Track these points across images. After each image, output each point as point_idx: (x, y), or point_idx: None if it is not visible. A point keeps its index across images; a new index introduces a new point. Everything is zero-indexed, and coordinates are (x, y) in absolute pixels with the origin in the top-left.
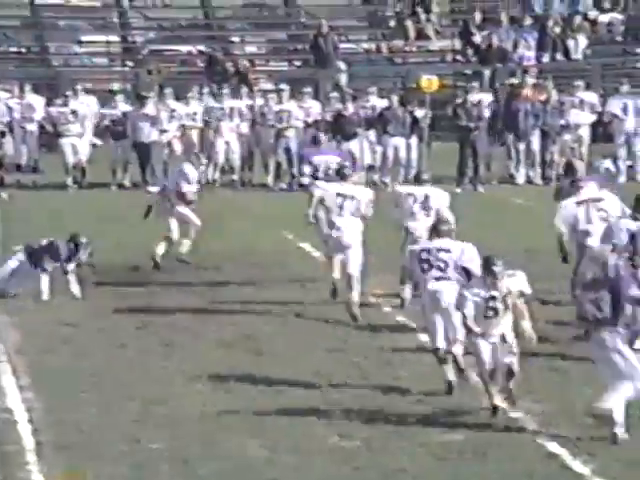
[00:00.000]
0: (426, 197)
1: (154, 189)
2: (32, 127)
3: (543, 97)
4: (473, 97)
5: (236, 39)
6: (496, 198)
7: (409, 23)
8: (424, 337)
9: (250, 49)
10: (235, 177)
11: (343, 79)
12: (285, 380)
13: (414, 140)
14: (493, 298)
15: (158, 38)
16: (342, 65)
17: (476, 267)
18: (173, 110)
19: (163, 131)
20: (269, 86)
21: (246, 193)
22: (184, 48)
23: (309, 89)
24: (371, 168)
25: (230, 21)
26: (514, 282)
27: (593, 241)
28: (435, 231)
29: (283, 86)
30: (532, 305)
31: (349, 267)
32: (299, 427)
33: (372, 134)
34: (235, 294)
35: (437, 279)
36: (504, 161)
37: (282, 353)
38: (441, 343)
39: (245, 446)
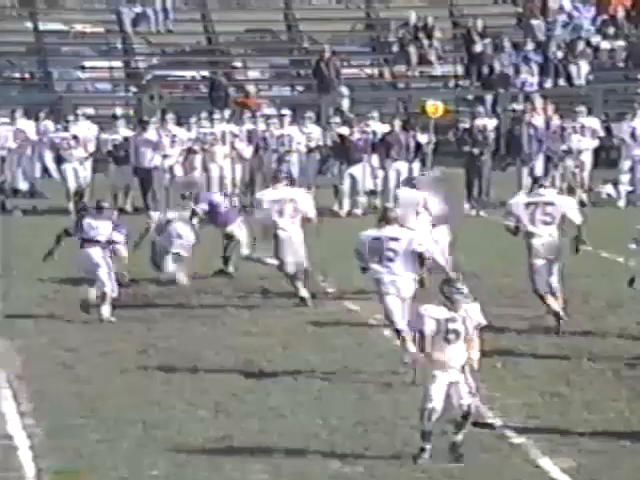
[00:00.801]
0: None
1: (155, 214)
2: (25, 152)
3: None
4: (479, 122)
5: (239, 64)
6: (497, 223)
7: (412, 49)
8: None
9: (253, 74)
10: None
11: (345, 104)
12: (286, 405)
13: (416, 165)
14: (453, 320)
15: (161, 64)
16: (344, 90)
17: (428, 250)
18: (175, 135)
19: (165, 156)
20: (272, 111)
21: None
22: (187, 73)
23: (311, 114)
24: (372, 193)
25: (233, 47)
26: (472, 310)
27: (537, 242)
28: (384, 218)
29: (285, 111)
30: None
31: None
32: (301, 452)
33: (375, 158)
34: (235, 319)
35: (387, 268)
36: (505, 186)
37: (283, 379)
38: (402, 325)
39: (247, 471)
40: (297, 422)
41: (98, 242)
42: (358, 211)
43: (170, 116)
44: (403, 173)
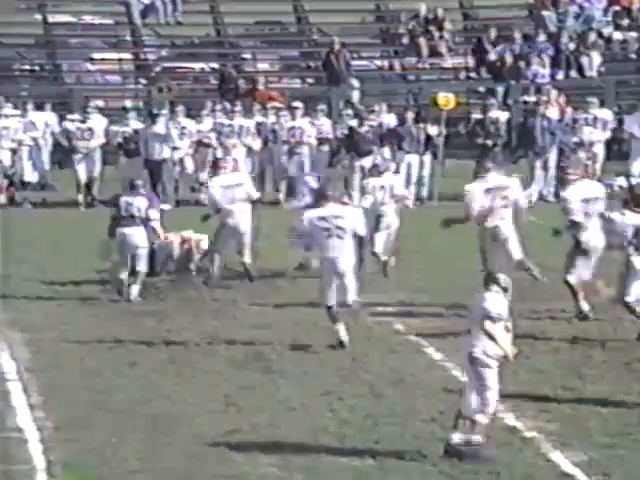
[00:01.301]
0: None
1: (166, 207)
2: (36, 144)
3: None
4: (491, 114)
5: (248, 56)
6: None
7: (422, 40)
8: (437, 355)
9: (262, 66)
10: None
11: (355, 96)
12: (295, 399)
13: (427, 157)
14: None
15: (170, 55)
16: (354, 82)
17: (360, 229)
18: (184, 127)
19: (175, 149)
20: (282, 104)
21: (257, 211)
22: (196, 65)
23: (322, 106)
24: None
25: (242, 39)
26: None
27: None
28: (323, 197)
29: (297, 104)
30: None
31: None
32: (311, 446)
33: (386, 151)
34: (246, 312)
35: (333, 246)
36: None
37: (292, 372)
38: (332, 301)
39: (257, 465)
40: (307, 415)
41: (135, 219)
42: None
43: (180, 108)
44: (414, 166)
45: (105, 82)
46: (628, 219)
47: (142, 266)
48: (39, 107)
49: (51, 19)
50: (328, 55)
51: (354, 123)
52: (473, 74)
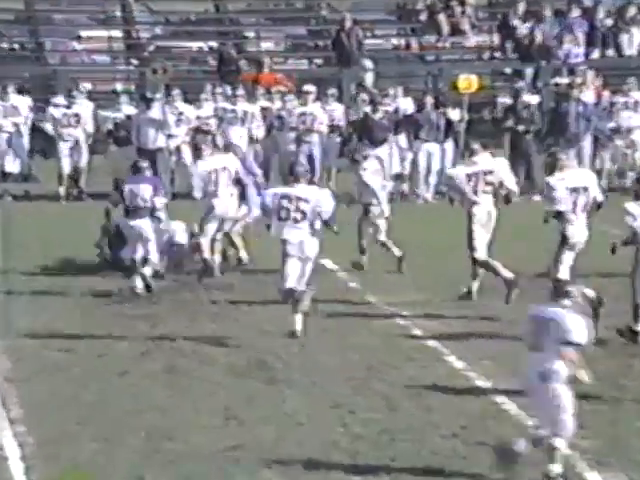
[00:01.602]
0: None
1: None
2: (17, 131)
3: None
4: (524, 98)
5: (250, 35)
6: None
7: (442, 17)
8: (458, 364)
9: (266, 45)
10: None
11: (369, 79)
12: (303, 411)
13: (449, 145)
14: None
15: (165, 34)
16: (368, 63)
17: (327, 213)
18: (181, 113)
19: (170, 136)
20: (288, 86)
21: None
22: (194, 44)
23: (333, 90)
24: (399, 177)
25: (244, 15)
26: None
27: (479, 211)
28: (292, 175)
29: (308, 87)
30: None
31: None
32: (320, 464)
33: (402, 139)
34: (248, 316)
35: (294, 228)
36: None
37: (299, 381)
38: (291, 283)
39: None
40: (316, 430)
41: (142, 210)
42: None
43: (176, 92)
44: (435, 155)
45: (93, 63)
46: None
47: (153, 256)
48: (20, 90)
49: None
50: (338, 33)
51: (367, 109)
52: (498, 54)
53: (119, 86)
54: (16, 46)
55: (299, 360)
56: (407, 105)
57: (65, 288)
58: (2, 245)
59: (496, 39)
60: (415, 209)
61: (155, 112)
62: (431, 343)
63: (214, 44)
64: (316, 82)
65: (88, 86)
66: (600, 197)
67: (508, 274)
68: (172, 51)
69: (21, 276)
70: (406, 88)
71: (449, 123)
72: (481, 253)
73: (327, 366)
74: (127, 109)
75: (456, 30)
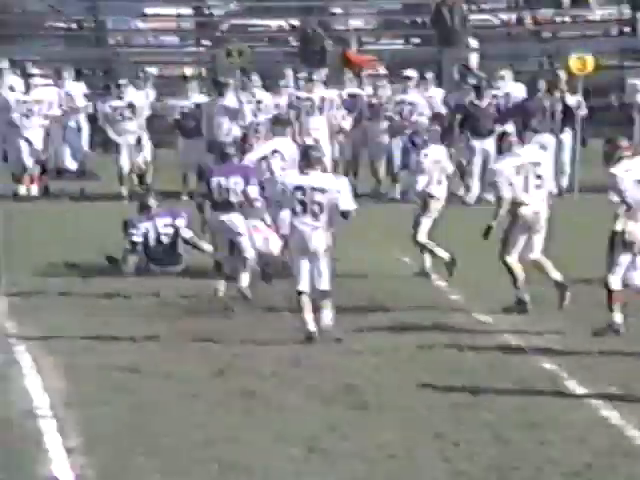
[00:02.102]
0: None
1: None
2: (72, 122)
3: None
4: None
5: (338, 10)
6: None
7: None
8: (580, 389)
9: (355, 23)
10: None
11: (474, 60)
12: (398, 443)
13: (567, 137)
14: None
15: (240, 10)
16: (473, 42)
17: (344, 203)
18: (259, 101)
19: (246, 127)
20: (380, 70)
21: None
22: (273, 23)
23: (431, 74)
24: None
25: None
26: None
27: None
28: (307, 161)
29: (410, 72)
30: None
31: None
32: None
33: (511, 129)
34: (335, 334)
35: (309, 225)
36: None
37: (394, 408)
38: (305, 287)
39: None
40: (413, 464)
41: (233, 204)
42: (490, 196)
43: (255, 77)
44: (550, 148)
45: (159, 44)
46: None
47: (249, 253)
48: (78, 76)
49: None
50: (439, 8)
51: (472, 95)
52: (628, 29)
53: (188, 70)
54: (73, 25)
55: (393, 383)
56: (518, 91)
57: (126, 299)
58: (55, 249)
59: (626, 11)
60: None
61: (229, 100)
62: (547, 366)
63: (296, 22)
64: (412, 64)
65: (154, 71)
66: None
67: (558, 276)
68: (248, 30)
69: (76, 284)
70: (518, 71)
71: (568, 112)
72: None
73: (425, 391)
74: (196, 97)
75: (578, 1)
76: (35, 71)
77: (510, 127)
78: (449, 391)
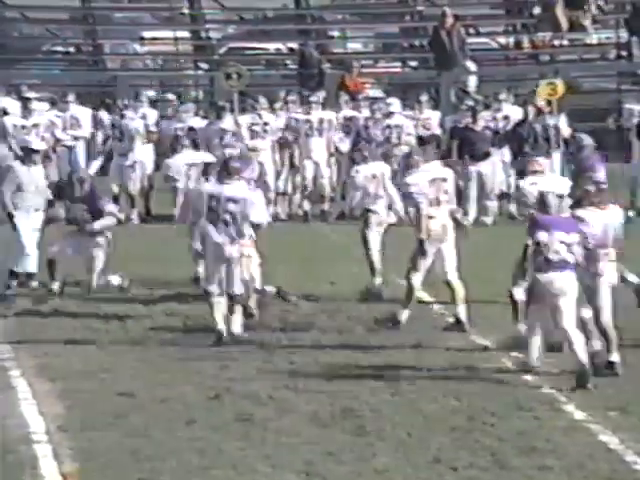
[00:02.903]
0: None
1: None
2: (79, 145)
3: None
4: None
5: (336, 34)
6: None
7: (559, 10)
8: (579, 414)
9: (353, 46)
10: (326, 207)
11: (472, 83)
12: (396, 468)
13: (557, 157)
14: None
15: (239, 33)
16: (471, 65)
17: (257, 215)
18: (266, 123)
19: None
20: (377, 93)
21: (344, 227)
22: (271, 46)
23: (425, 97)
24: (505, 196)
25: (328, 11)
26: None
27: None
28: (226, 169)
29: (391, 99)
30: None
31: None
32: None
33: (507, 152)
34: (332, 356)
35: (221, 231)
36: None
37: (392, 433)
38: (214, 289)
39: None
40: None
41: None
42: (487, 219)
43: (262, 99)
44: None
45: (157, 67)
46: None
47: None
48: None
49: None
50: (437, 31)
51: (467, 119)
52: (625, 53)
53: (186, 93)
54: (71, 49)
55: (391, 408)
56: (516, 114)
57: (122, 323)
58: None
59: (623, 35)
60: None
61: (227, 122)
62: (545, 390)
63: (294, 45)
64: (409, 87)
65: (151, 94)
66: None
67: (462, 311)
68: (246, 53)
69: (71, 308)
70: (516, 94)
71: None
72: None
73: (424, 415)
74: (193, 120)
75: (575, 25)
76: (32, 95)
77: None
78: (448, 415)
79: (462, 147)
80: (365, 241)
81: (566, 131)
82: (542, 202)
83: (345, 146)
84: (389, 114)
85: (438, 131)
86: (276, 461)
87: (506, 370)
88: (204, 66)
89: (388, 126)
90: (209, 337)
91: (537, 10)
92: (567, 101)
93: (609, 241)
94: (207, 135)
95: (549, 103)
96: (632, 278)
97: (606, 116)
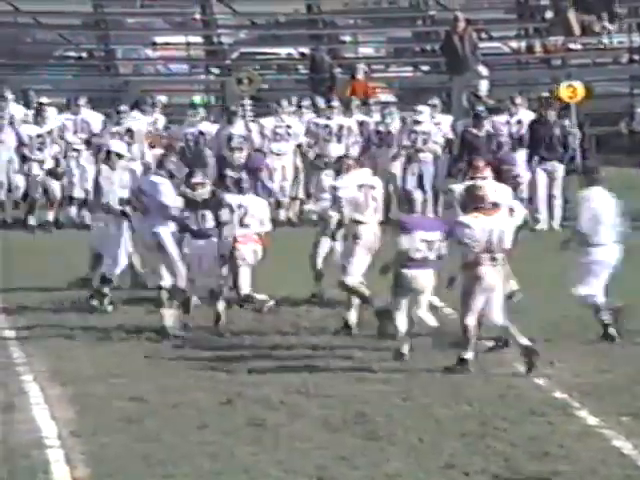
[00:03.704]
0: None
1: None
2: (87, 151)
3: None
4: None
5: (347, 38)
6: None
7: (571, 14)
8: (592, 419)
9: (365, 51)
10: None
11: (484, 87)
12: (408, 473)
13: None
14: None
15: (250, 38)
16: (483, 70)
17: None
18: (289, 127)
19: (277, 154)
20: (389, 97)
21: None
22: (282, 50)
23: (436, 101)
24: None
25: (340, 16)
26: None
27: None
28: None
29: (422, 108)
30: None
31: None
32: None
33: (520, 157)
34: (343, 361)
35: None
36: None
37: (404, 437)
38: (166, 283)
39: None
40: None
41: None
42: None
43: (285, 103)
44: (558, 176)
45: (169, 72)
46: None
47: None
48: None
49: None
50: (449, 35)
51: (470, 124)
52: (638, 57)
53: (197, 98)
54: (84, 54)
55: (403, 413)
56: (529, 118)
57: (132, 327)
58: (64, 279)
59: (636, 40)
60: (537, 237)
61: (238, 127)
62: (558, 395)
63: (306, 50)
64: (421, 91)
65: (163, 99)
66: None
67: (353, 318)
68: (258, 58)
69: (84, 314)
70: (529, 98)
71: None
72: (356, 278)
73: (436, 420)
74: (203, 125)
75: (588, 30)
76: (45, 100)
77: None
78: (460, 420)
79: (465, 153)
80: (316, 245)
81: (575, 137)
82: (408, 201)
83: (355, 150)
84: (417, 122)
85: (451, 135)
86: (288, 466)
87: (518, 375)
88: (215, 71)
89: (414, 131)
90: (221, 342)
91: (549, 14)
92: (584, 105)
93: (494, 246)
94: (219, 140)
95: (565, 107)
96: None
97: (618, 120)
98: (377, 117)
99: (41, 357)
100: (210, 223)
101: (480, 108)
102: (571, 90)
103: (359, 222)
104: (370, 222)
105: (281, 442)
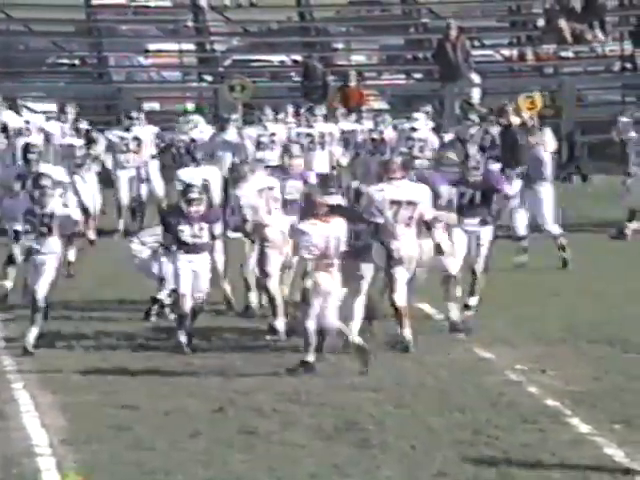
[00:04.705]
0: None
1: (235, 235)
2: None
3: None
4: None
5: (340, 46)
6: None
7: (563, 22)
8: (584, 427)
9: (357, 58)
10: None
11: (476, 95)
12: None
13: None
14: None
15: (243, 46)
16: (475, 77)
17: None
18: (273, 134)
19: (260, 160)
20: (382, 105)
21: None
22: (275, 58)
23: (427, 108)
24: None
25: (332, 23)
26: None
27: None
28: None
29: (418, 115)
30: None
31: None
32: None
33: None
34: (335, 368)
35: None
36: None
37: (396, 445)
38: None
39: None
40: None
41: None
42: None
43: (268, 110)
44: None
45: (162, 79)
46: None
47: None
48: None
49: (95, 1)
50: (442, 43)
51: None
52: (629, 65)
53: (190, 105)
54: (76, 61)
55: (395, 421)
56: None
57: (122, 333)
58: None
59: (628, 48)
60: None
61: (231, 134)
62: (550, 403)
63: (298, 57)
64: (412, 99)
65: (155, 106)
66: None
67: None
68: (251, 65)
69: (74, 320)
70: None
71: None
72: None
73: (428, 427)
74: (194, 132)
75: (579, 38)
76: (35, 107)
77: None
78: (452, 428)
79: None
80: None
81: (551, 146)
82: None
83: (345, 159)
84: (413, 129)
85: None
86: (280, 474)
87: (510, 383)
88: (208, 78)
89: (411, 138)
90: (213, 349)
91: (541, 23)
92: (572, 114)
93: (331, 252)
94: (212, 147)
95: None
96: None
97: (610, 128)
98: (369, 124)
99: (31, 365)
100: (205, 238)
101: (473, 116)
102: (530, 101)
103: (265, 225)
104: (275, 223)
105: (273, 450)
